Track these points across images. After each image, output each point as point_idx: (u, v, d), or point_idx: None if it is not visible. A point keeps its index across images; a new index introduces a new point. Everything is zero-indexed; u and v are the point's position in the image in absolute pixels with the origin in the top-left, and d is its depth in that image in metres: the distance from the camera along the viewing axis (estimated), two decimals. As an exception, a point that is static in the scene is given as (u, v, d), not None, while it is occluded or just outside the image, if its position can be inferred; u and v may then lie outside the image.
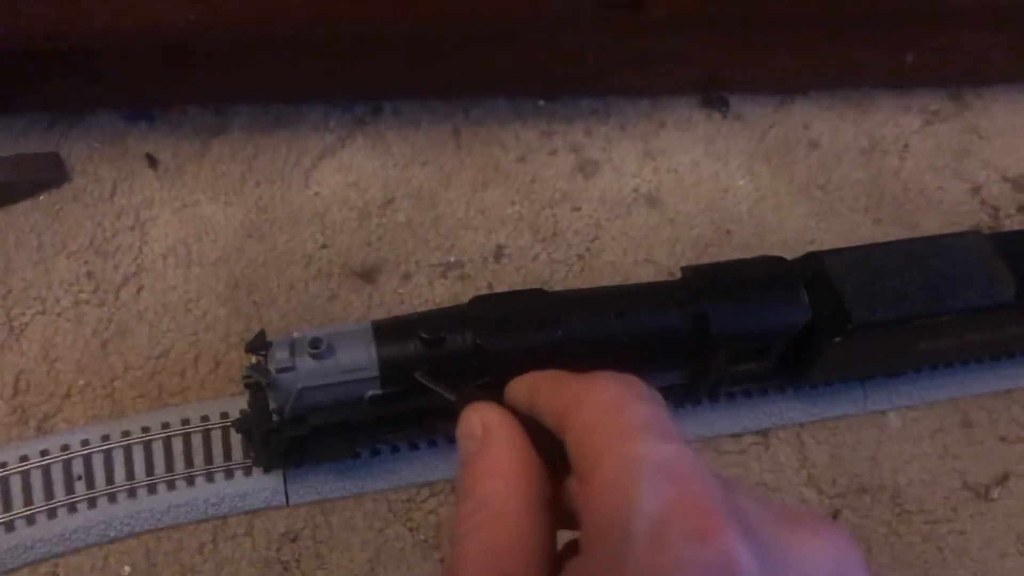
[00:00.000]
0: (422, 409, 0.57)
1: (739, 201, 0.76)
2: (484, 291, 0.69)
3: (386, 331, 0.55)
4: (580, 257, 0.72)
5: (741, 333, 0.57)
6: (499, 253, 0.72)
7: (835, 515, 0.62)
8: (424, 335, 0.54)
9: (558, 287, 0.69)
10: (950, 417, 0.66)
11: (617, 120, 0.80)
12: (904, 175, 0.79)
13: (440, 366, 0.55)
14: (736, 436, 0.64)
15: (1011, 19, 0.81)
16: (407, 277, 0.70)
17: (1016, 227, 0.77)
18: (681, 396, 0.62)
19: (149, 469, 0.60)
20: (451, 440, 0.61)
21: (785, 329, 0.58)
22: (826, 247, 0.69)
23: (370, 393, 0.55)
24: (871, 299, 0.59)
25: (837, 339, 0.59)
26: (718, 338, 0.57)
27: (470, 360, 0.55)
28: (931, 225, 0.76)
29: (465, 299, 0.59)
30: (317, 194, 0.74)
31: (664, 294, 0.58)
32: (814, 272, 0.60)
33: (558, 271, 0.71)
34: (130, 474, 0.59)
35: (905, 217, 0.76)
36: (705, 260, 0.72)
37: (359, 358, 0.54)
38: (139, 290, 0.68)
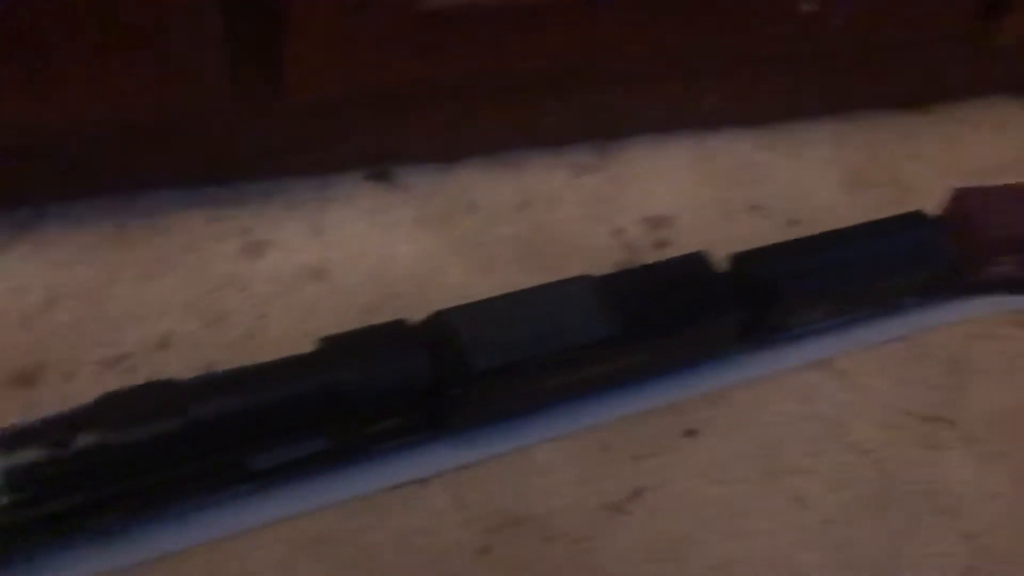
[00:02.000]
0: (66, 509, 0.58)
1: (402, 266, 0.82)
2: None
3: (10, 439, 0.57)
4: (247, 337, 0.76)
5: (366, 395, 0.62)
6: (165, 342, 0.74)
7: (485, 551, 0.67)
8: (48, 440, 0.56)
9: (223, 368, 0.73)
10: (589, 443, 0.73)
11: (285, 200, 0.84)
12: (553, 226, 0.87)
13: (68, 469, 0.57)
14: (395, 488, 0.69)
15: (647, 77, 0.91)
16: (70, 376, 0.71)
17: (652, 260, 0.86)
18: (328, 460, 0.66)
19: None
20: (104, 533, 0.62)
21: (406, 387, 0.63)
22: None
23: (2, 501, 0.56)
24: (488, 347, 0.65)
25: (461, 388, 0.64)
26: (346, 403, 0.62)
27: (98, 459, 0.57)
28: (576, 269, 0.82)
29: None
30: (-25, 303, 0.74)
31: (294, 367, 0.63)
32: (438, 330, 0.66)
33: (224, 353, 0.74)
34: None
35: (554, 264, 0.84)
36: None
37: (-18, 469, 0.56)
38: None
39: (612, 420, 0.75)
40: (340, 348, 0.63)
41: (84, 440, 0.56)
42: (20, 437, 0.57)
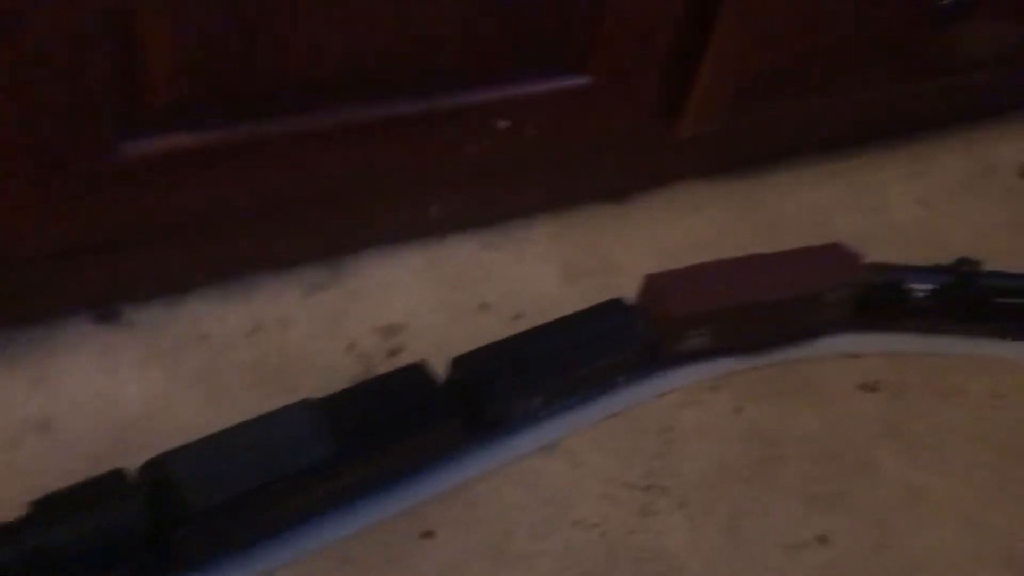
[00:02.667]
0: None
1: (132, 408, 0.82)
2: None
3: None
4: (-34, 504, 0.74)
5: (83, 554, 0.62)
6: None
7: None
8: None
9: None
10: (332, 561, 0.75)
11: (4, 355, 0.83)
12: (288, 348, 0.90)
13: None
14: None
15: (372, 196, 0.96)
16: None
17: (387, 370, 0.90)
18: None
19: None
20: None
21: (127, 537, 0.64)
22: (209, 431, 0.77)
23: None
24: (207, 485, 0.67)
25: (180, 530, 0.66)
26: (61, 565, 0.62)
27: None
28: (311, 387, 0.86)
29: None
30: None
31: (2, 535, 0.62)
32: (157, 474, 0.67)
33: (-60, 523, 0.72)
34: None
35: (290, 387, 0.86)
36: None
37: None
38: None
39: (353, 533, 0.77)
40: (50, 509, 0.63)
41: None
42: None
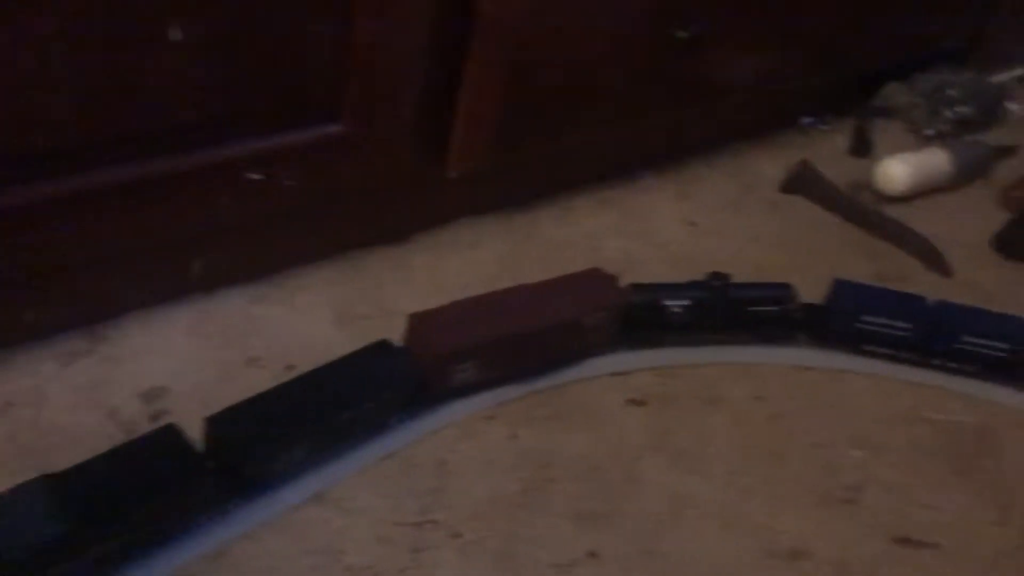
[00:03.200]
0: None
1: None
2: None
3: None
4: None
5: None
6: None
7: None
8: None
9: None
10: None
11: None
12: (43, 421, 0.87)
13: None
14: None
15: (128, 259, 0.94)
16: None
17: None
18: None
19: None
20: None
21: None
22: None
23: None
24: None
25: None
26: None
27: None
28: (70, 460, 0.83)
29: None
30: None
31: None
32: None
33: None
34: None
35: (44, 462, 0.82)
36: None
37: None
38: None
39: (113, 606, 0.75)
40: None
41: None
42: None
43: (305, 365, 0.96)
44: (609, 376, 1.04)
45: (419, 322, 0.92)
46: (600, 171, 1.31)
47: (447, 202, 1.17)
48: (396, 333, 0.95)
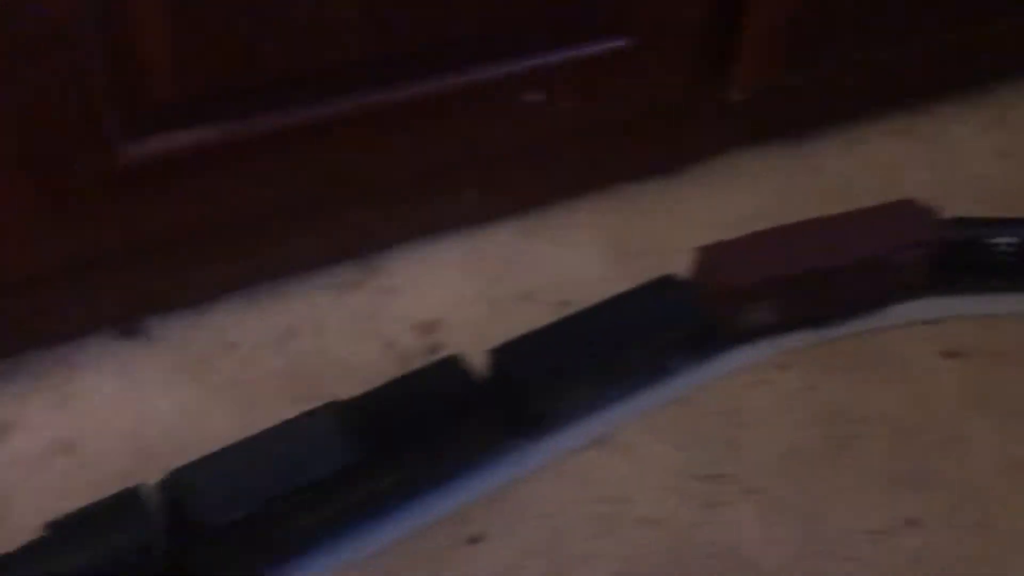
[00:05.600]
0: None
1: (160, 422, 0.78)
2: None
3: None
4: (-8, 530, 0.71)
5: (96, 577, 0.58)
6: None
7: None
8: None
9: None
10: (372, 572, 0.70)
11: (29, 375, 0.80)
12: (322, 352, 0.85)
13: None
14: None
15: (398, 189, 0.91)
16: None
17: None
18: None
19: None
20: None
21: (144, 558, 0.60)
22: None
23: None
24: (226, 499, 0.62)
25: (200, 547, 0.61)
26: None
27: None
28: (348, 390, 0.81)
29: None
30: None
31: (15, 562, 0.58)
32: (174, 490, 0.63)
33: (-36, 552, 0.69)
34: None
35: (324, 391, 0.80)
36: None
37: None
38: None
39: (393, 542, 0.72)
40: (65, 532, 0.59)
41: None
42: None
43: (580, 302, 0.89)
44: (918, 325, 0.91)
45: (709, 255, 0.83)
46: (893, 97, 1.16)
47: (723, 132, 1.06)
48: (671, 270, 0.87)
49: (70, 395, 0.79)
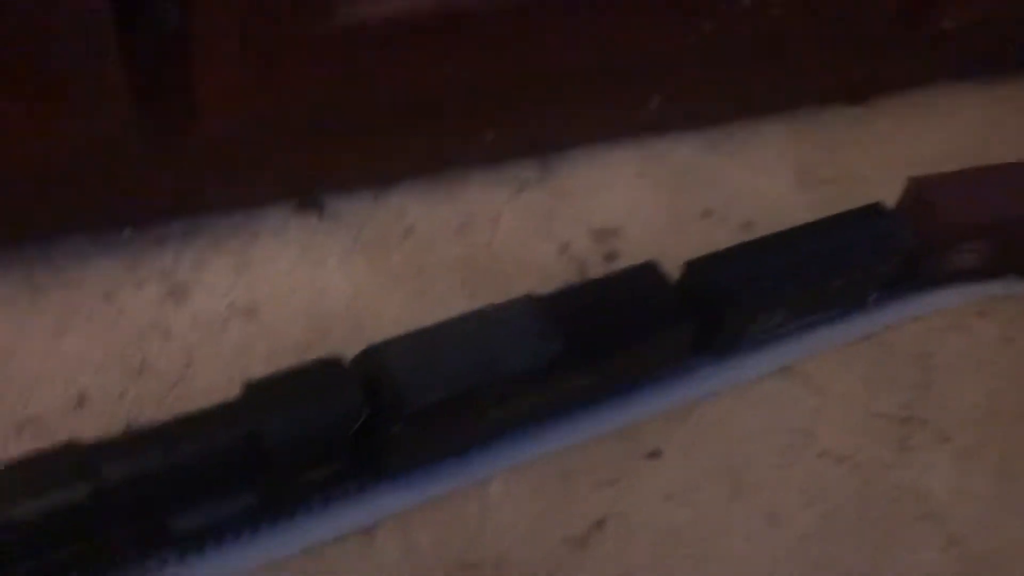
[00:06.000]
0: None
1: (336, 300, 0.77)
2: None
3: None
4: (173, 387, 0.70)
5: (294, 443, 0.57)
6: (82, 400, 0.68)
7: (440, 599, 0.62)
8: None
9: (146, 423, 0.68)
10: (548, 472, 0.68)
11: (208, 239, 0.79)
12: (496, 246, 0.83)
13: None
14: (339, 540, 0.64)
15: (588, 83, 0.87)
16: (-25, 444, 0.66)
17: (602, 274, 0.81)
18: (260, 516, 0.61)
19: None
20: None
21: (339, 430, 0.58)
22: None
23: None
24: (424, 382, 0.60)
25: (397, 427, 0.59)
26: (272, 453, 0.57)
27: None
28: (524, 289, 0.78)
29: (39, 456, 0.56)
30: None
31: (214, 417, 0.58)
32: (371, 365, 0.61)
33: (148, 406, 0.68)
34: None
35: (499, 287, 0.79)
36: (305, 365, 0.72)
37: None
38: None
39: (570, 446, 0.70)
40: (264, 393, 0.58)
41: (-22, 516, 0.51)
42: None
43: (763, 225, 0.85)
44: None
45: (924, 187, 0.77)
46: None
47: (923, 61, 0.99)
48: (860, 202, 0.81)
49: (249, 263, 0.78)
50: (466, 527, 0.65)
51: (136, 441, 0.55)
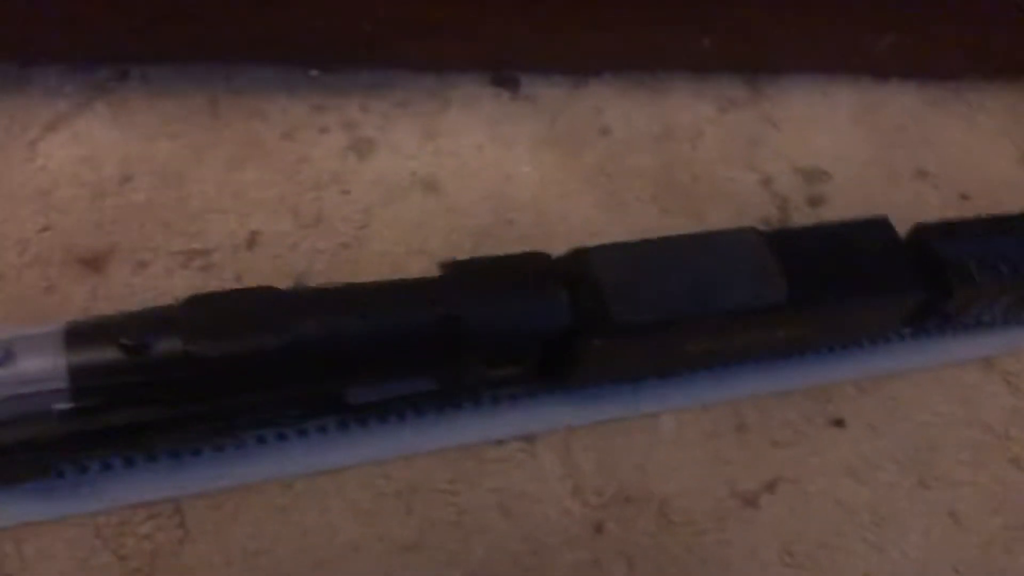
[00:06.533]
0: (125, 425, 0.50)
1: (523, 189, 0.71)
2: (231, 284, 0.62)
3: (80, 335, 0.48)
4: (346, 246, 0.66)
5: (494, 335, 0.53)
6: (253, 240, 0.65)
7: (598, 528, 0.58)
8: (124, 340, 0.47)
9: (318, 280, 0.63)
10: (724, 420, 0.64)
11: (398, 96, 0.74)
12: (695, 164, 0.76)
13: (145, 376, 0.48)
14: (500, 443, 0.60)
15: (821, 6, 0.79)
16: (142, 266, 0.62)
17: (804, 220, 0.75)
18: (432, 402, 0.57)
19: None
20: (173, 455, 0.54)
21: (541, 331, 0.53)
22: (610, 239, 0.66)
23: (59, 407, 0.47)
24: (635, 299, 0.55)
25: (597, 341, 0.55)
26: (469, 341, 0.52)
27: (180, 370, 0.48)
28: (719, 217, 0.73)
29: (209, 293, 0.52)
30: (43, 168, 0.64)
31: (414, 292, 0.53)
32: (579, 270, 0.56)
33: (319, 261, 0.65)
34: None
35: (693, 208, 0.73)
36: (484, 251, 0.67)
37: (44, 366, 0.47)
38: None
39: (752, 398, 0.65)
40: (467, 276, 0.53)
41: (166, 346, 0.47)
42: (90, 333, 0.48)
43: (981, 200, 0.78)
44: None
45: None
46: None
47: None
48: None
49: (437, 131, 0.72)
50: (630, 458, 0.61)
51: (333, 302, 0.51)
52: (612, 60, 0.79)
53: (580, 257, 0.56)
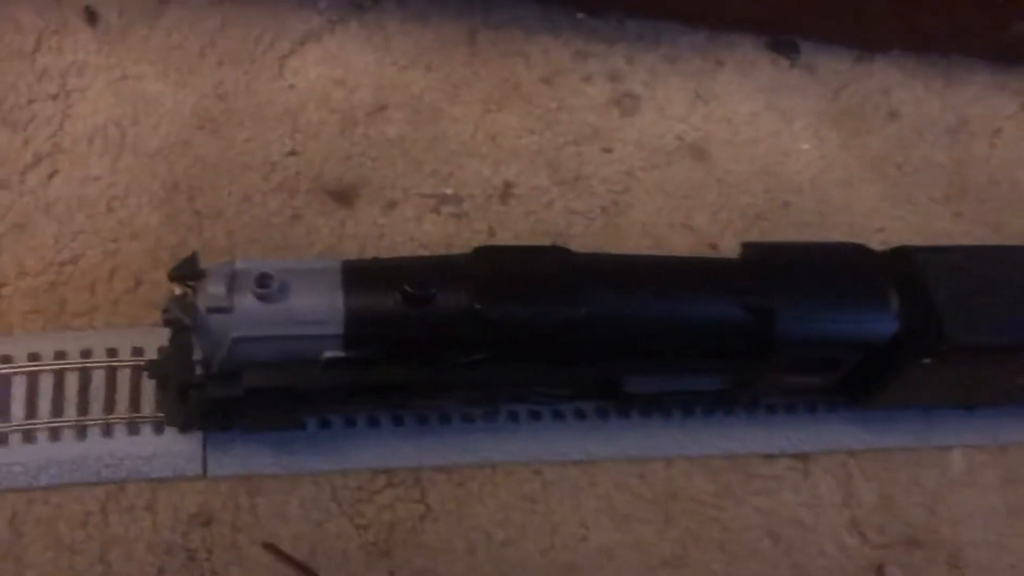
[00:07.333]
0: (392, 382, 0.44)
1: (801, 169, 0.63)
2: (482, 235, 0.56)
3: (360, 276, 0.42)
4: (604, 210, 0.59)
5: (812, 339, 0.45)
6: (507, 192, 0.58)
7: (879, 571, 0.50)
8: (409, 288, 0.41)
9: (573, 243, 0.57)
10: (1017, 463, 0.55)
11: (667, 50, 0.66)
12: (993, 164, 0.67)
13: (425, 330, 0.42)
14: (770, 457, 0.52)
15: None
16: (391, 205, 0.56)
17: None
18: (714, 402, 0.50)
19: (31, 410, 0.46)
20: (422, 420, 0.48)
21: (866, 340, 0.46)
22: (897, 237, 0.58)
23: (328, 355, 0.42)
24: (971, 316, 0.47)
25: (925, 360, 0.47)
26: (782, 341, 0.45)
27: (464, 328, 0.42)
28: (1020, 226, 0.64)
29: (459, 243, 0.47)
30: (292, 86, 0.59)
31: (720, 276, 0.46)
32: (904, 273, 0.48)
33: (575, 224, 0.58)
34: (3, 413, 0.46)
35: (991, 214, 0.64)
36: (756, 234, 0.59)
37: (319, 307, 0.41)
38: (52, 175, 0.54)
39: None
40: (781, 264, 0.46)
41: (453, 300, 0.42)
42: (370, 275, 0.42)
43: None
44: None
45: None
46: None
47: None
48: None
49: (709, 94, 0.64)
50: (916, 496, 0.53)
51: (628, 274, 0.44)
52: (904, 36, 0.69)
53: (905, 258, 0.48)
